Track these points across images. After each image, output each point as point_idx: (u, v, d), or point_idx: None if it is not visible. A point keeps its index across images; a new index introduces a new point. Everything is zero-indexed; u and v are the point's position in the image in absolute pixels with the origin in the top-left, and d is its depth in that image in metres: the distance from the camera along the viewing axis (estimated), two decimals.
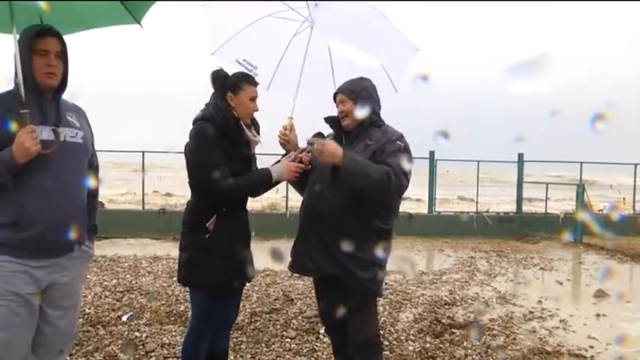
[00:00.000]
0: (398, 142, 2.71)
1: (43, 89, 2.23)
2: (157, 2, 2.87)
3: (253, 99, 2.79)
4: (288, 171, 2.78)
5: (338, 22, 3.32)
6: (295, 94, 3.18)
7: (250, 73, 2.98)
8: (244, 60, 3.25)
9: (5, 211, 2.12)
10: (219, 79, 2.77)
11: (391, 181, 2.54)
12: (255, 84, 2.81)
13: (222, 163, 2.62)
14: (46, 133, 2.18)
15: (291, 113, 3.12)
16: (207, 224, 2.66)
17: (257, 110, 2.83)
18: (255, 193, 2.83)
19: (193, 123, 2.75)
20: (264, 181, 2.75)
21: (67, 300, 2.36)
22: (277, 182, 2.82)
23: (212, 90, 2.81)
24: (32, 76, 2.18)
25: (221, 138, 2.67)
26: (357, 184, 2.57)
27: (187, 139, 2.75)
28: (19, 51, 2.15)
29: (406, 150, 2.71)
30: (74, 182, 2.29)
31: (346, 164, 2.54)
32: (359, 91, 2.78)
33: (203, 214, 2.69)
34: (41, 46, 2.20)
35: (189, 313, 4.62)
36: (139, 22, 2.90)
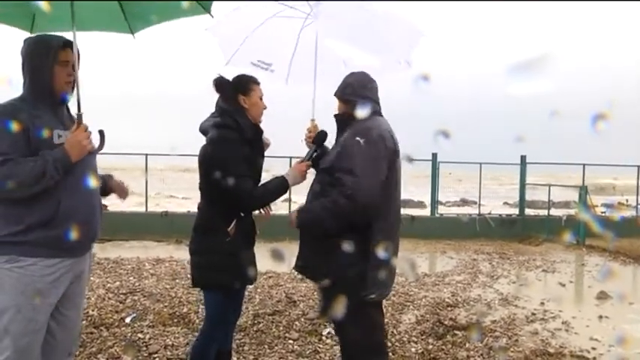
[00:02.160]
0: (357, 139, 2.54)
1: (56, 97, 2.31)
2: (157, 25, 3.07)
3: (261, 97, 2.85)
4: (300, 173, 2.85)
5: (339, 15, 3.39)
6: (313, 95, 3.27)
7: (267, 70, 3.18)
8: (258, 60, 3.39)
9: (38, 211, 2.18)
10: (225, 84, 2.80)
11: (339, 209, 2.50)
12: (259, 83, 2.86)
13: (246, 174, 2.68)
14: (65, 137, 2.25)
15: (313, 115, 3.20)
16: (228, 229, 2.69)
17: (266, 108, 2.88)
18: (272, 201, 2.88)
19: (209, 129, 2.76)
20: (282, 188, 2.80)
21: (79, 298, 2.44)
22: (293, 185, 2.87)
23: (216, 97, 2.84)
24: (51, 84, 2.27)
25: (245, 147, 2.72)
26: (322, 231, 2.60)
27: (207, 145, 2.78)
28: (39, 60, 2.24)
29: (367, 146, 2.53)
30: (94, 182, 2.39)
31: (299, 225, 2.64)
32: (343, 88, 2.78)
33: (217, 217, 2.73)
34: (64, 57, 2.30)
35: (193, 316, 4.67)
36: (132, 33, 3.04)
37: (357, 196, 2.47)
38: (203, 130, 2.83)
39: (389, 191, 2.62)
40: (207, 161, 2.74)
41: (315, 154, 2.95)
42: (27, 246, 2.16)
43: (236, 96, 2.78)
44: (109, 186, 2.61)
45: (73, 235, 2.21)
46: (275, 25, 3.43)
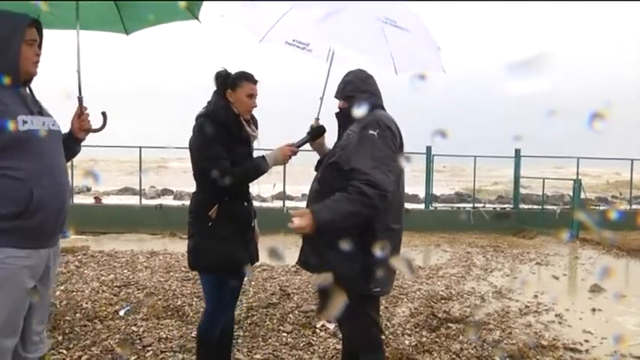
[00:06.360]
0: (370, 132, 2.48)
1: (21, 79, 2.21)
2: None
3: (251, 96, 2.90)
4: (283, 155, 2.88)
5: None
6: (322, 92, 3.23)
7: (304, 50, 3.29)
8: (294, 40, 3.43)
9: (11, 201, 2.12)
10: (221, 77, 2.90)
11: (368, 198, 2.36)
12: (255, 82, 2.91)
13: (221, 156, 2.75)
14: (31, 123, 2.17)
15: (318, 114, 3.15)
16: (209, 213, 2.78)
17: (255, 106, 2.94)
18: (252, 180, 2.89)
19: (196, 119, 2.89)
20: (260, 168, 2.85)
21: (52, 280, 2.42)
22: (273, 166, 2.90)
23: (214, 88, 2.94)
24: (17, 65, 2.16)
25: (221, 133, 2.79)
26: (346, 227, 2.41)
27: (192, 134, 2.89)
28: (4, 37, 2.13)
29: (381, 136, 2.47)
30: (64, 168, 2.36)
31: (320, 223, 2.34)
32: (343, 87, 2.77)
33: (206, 203, 2.82)
34: (31, 36, 2.20)
35: (187, 309, 4.66)
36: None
37: (377, 185, 2.38)
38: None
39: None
40: (191, 149, 2.88)
41: (305, 143, 2.96)
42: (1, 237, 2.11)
43: (224, 89, 2.88)
44: (73, 131, 2.54)
45: (47, 222, 2.19)
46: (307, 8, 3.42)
